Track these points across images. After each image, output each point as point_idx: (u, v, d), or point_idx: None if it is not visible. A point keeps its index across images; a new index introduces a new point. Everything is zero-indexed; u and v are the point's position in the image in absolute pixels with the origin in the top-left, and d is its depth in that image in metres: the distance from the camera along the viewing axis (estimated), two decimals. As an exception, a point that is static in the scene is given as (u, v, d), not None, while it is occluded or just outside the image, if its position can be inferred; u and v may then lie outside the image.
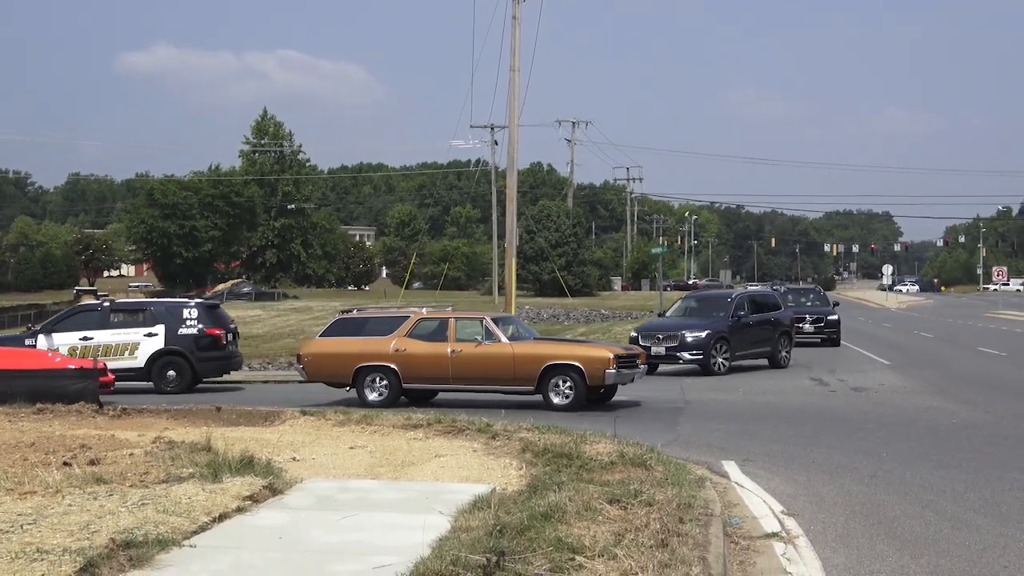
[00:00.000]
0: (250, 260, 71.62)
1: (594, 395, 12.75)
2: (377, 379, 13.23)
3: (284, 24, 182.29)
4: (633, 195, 78.22)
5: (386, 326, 13.78)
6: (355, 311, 15.90)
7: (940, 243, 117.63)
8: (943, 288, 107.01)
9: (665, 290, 43.75)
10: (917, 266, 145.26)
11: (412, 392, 13.55)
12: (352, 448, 8.50)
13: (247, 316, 35.87)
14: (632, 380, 13.08)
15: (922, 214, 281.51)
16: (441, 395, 13.93)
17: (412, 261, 52.48)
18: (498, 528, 5.19)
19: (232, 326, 17.71)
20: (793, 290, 30.71)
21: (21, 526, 5.24)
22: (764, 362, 19.22)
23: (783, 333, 19.62)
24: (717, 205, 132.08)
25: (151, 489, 5.91)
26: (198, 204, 66.31)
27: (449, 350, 12.89)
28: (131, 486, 6.03)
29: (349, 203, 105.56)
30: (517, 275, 23.29)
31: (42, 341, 15.80)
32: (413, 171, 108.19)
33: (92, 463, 6.73)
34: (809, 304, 25.60)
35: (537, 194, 79.53)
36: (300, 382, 15.26)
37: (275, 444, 8.38)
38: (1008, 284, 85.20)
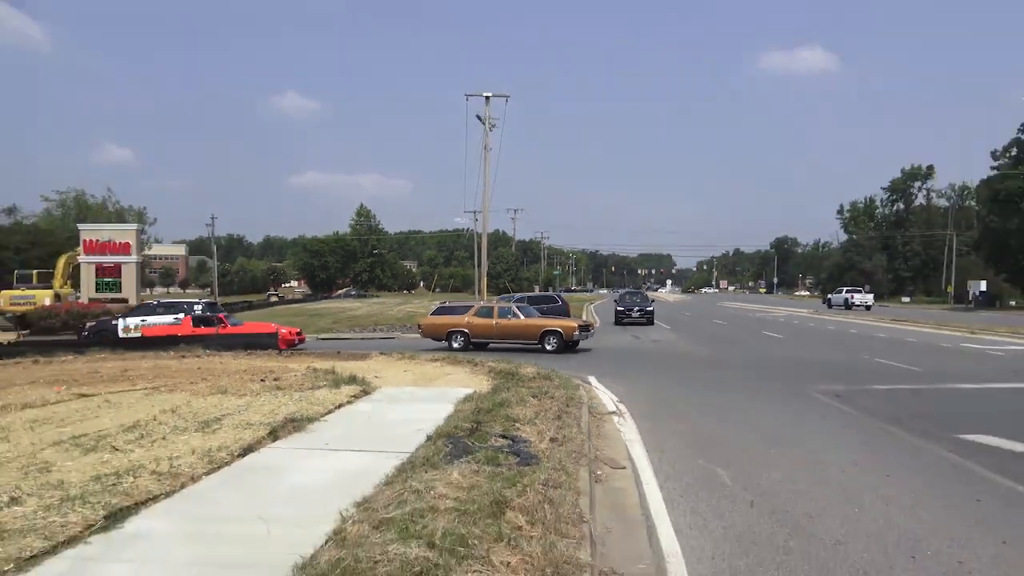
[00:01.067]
0: (355, 278, 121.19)
1: (568, 345, 21.27)
2: (458, 336, 21.98)
3: (369, 158, 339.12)
4: (545, 244, 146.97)
5: (461, 311, 23.19)
6: (447, 303, 27.27)
7: (695, 268, 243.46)
8: (694, 291, 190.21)
9: (560, 293, 71.29)
10: (683, 281, 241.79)
11: (476, 343, 22.03)
12: (405, 371, 13.91)
13: (353, 305, 59.42)
14: (586, 338, 21.84)
15: (686, 255, 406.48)
16: (492, 345, 22.21)
17: (435, 279, 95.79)
18: (477, 411, 9.10)
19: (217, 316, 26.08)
20: (629, 293, 45.43)
21: (240, 411, 9.31)
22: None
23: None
24: (585, 250, 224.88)
25: (305, 392, 10.80)
26: (328, 251, 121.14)
27: (494, 322, 21.91)
28: (295, 391, 10.95)
29: (404, 249, 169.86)
30: (488, 285, 42.30)
31: (122, 322, 24.75)
32: (436, 234, 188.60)
33: (275, 379, 11.80)
34: (639, 300, 39.25)
35: (498, 244, 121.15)
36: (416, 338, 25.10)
37: (366, 369, 13.84)
38: (728, 289, 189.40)
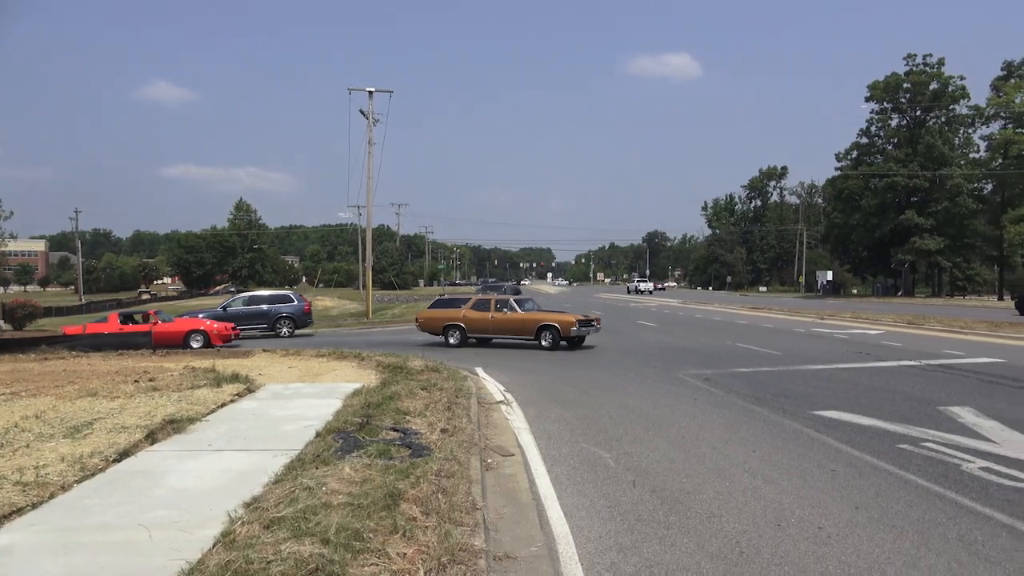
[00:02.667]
0: (234, 274, 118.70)
1: (570, 342, 19.53)
2: (454, 331, 20.75)
3: (247, 152, 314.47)
4: (429, 239, 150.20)
5: (460, 303, 21.75)
6: (445, 294, 24.41)
7: (573, 262, 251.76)
8: (573, 283, 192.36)
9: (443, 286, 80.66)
10: (563, 273, 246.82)
11: (475, 339, 20.91)
12: (290, 367, 13.47)
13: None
14: (589, 334, 19.94)
15: (566, 248, 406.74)
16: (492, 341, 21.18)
17: (318, 274, 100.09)
18: (366, 404, 9.26)
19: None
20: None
21: (113, 414, 8.85)
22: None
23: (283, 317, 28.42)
24: (469, 244, 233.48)
25: (184, 392, 10.30)
26: (205, 246, 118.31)
27: (490, 316, 20.41)
28: (173, 391, 10.41)
29: (285, 244, 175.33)
30: (373, 279, 42.07)
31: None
32: (318, 228, 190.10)
33: (151, 380, 11.12)
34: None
35: (383, 239, 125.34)
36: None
37: (249, 367, 13.30)
38: (605, 281, 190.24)
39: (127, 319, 23.01)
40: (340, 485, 5.70)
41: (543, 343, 19.47)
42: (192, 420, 8.58)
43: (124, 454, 6.92)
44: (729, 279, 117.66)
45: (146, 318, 23.21)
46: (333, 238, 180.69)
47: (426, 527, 4.90)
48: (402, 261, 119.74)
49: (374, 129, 37.33)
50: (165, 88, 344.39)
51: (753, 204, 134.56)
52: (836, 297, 76.95)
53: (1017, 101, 70.26)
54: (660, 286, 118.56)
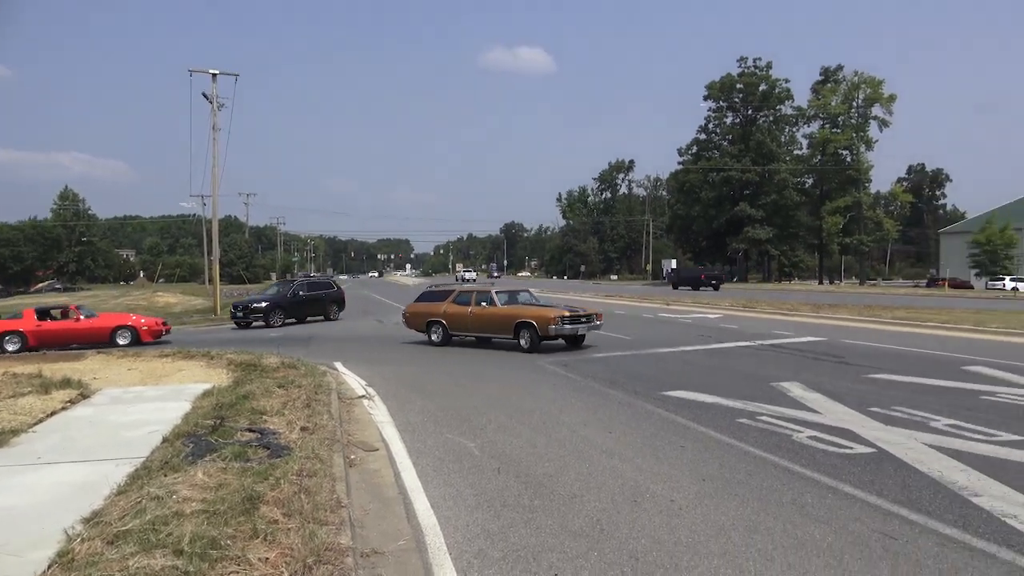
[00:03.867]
0: (59, 269, 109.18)
1: (550, 340, 16.60)
2: (437, 328, 18.35)
3: (72, 135, 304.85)
4: (282, 230, 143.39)
5: (440, 296, 19.20)
6: (434, 286, 21.38)
7: (432, 253, 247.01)
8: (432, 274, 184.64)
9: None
10: (420, 265, 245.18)
11: (457, 336, 18.33)
12: (129, 370, 12.47)
13: (58, 300, 46.13)
14: (579, 331, 16.72)
15: (424, 240, 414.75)
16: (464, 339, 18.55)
17: (159, 268, 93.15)
18: (218, 405, 8.79)
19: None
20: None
21: None
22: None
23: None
24: (323, 236, 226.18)
25: (4, 401, 9.28)
26: (23, 239, 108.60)
27: (469, 310, 17.80)
28: None
29: (120, 237, 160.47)
30: (221, 273, 41.00)
31: None
32: (158, 219, 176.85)
33: None
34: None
35: (230, 231, 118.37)
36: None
37: (82, 371, 12.16)
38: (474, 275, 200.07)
39: (43, 314, 20.78)
40: (193, 492, 5.39)
41: (521, 342, 16.66)
42: (16, 432, 7.83)
43: (-66, 474, 6.17)
44: (583, 268, 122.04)
45: (66, 313, 21.01)
46: (175, 230, 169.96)
47: (289, 529, 4.75)
48: (252, 254, 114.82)
49: (219, 114, 35.29)
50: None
51: (604, 196, 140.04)
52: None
53: (832, 104, 77.80)
54: (495, 274, 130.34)
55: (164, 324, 22.14)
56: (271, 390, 9.68)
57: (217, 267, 38.74)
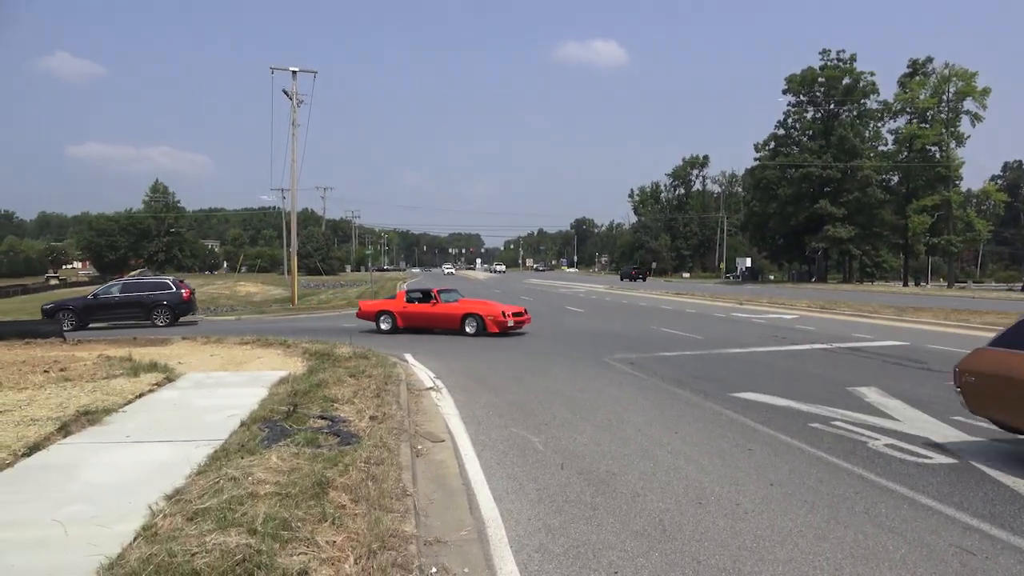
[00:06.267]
0: (150, 259, 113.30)
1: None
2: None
3: (162, 129, 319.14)
4: (356, 223, 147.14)
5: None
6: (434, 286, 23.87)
7: (502, 248, 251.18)
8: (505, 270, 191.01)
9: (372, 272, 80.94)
10: (491, 259, 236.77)
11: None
12: (212, 356, 13.05)
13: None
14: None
15: (495, 234, 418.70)
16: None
17: (240, 259, 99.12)
18: (293, 392, 8.96)
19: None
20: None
21: (21, 406, 8.33)
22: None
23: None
24: (397, 229, 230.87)
25: (98, 382, 9.86)
26: (118, 229, 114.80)
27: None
28: (86, 381, 9.95)
29: (205, 228, 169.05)
30: (298, 264, 43.16)
31: None
32: (240, 212, 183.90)
33: (62, 370, 10.58)
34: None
35: (308, 224, 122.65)
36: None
37: (168, 355, 12.81)
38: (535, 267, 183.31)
39: (410, 297, 21.47)
40: (267, 474, 5.61)
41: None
42: (108, 411, 8.24)
43: (34, 448, 6.61)
44: (654, 265, 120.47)
45: (426, 297, 21.11)
46: (256, 222, 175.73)
47: (356, 514, 4.89)
48: (328, 246, 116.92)
49: (298, 110, 36.41)
50: (65, 59, 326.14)
51: (677, 192, 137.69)
52: (754, 283, 79.82)
53: (921, 98, 74.21)
54: (540, 268, 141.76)
55: (512, 316, 20.30)
56: (343, 379, 9.95)
57: (295, 259, 40.00)
